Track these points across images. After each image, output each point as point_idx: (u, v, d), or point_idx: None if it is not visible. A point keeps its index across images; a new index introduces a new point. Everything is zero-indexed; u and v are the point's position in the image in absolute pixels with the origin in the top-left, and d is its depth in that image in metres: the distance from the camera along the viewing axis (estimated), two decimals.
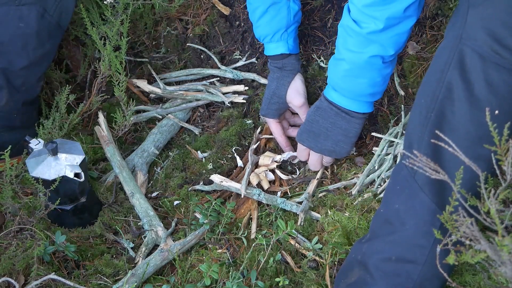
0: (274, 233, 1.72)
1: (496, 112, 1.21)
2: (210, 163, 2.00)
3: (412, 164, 1.19)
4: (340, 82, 1.68)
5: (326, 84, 2.06)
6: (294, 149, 1.96)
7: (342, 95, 1.71)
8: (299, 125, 2.00)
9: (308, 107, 1.90)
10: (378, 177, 1.81)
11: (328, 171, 1.91)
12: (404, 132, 1.87)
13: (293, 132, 1.99)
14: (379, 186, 1.79)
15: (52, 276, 1.44)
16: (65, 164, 1.66)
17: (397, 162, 1.67)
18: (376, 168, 1.82)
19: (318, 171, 1.89)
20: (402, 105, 1.94)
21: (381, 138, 1.90)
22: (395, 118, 1.97)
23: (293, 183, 1.90)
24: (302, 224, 1.76)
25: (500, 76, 1.25)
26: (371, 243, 1.48)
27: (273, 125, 1.97)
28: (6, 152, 1.59)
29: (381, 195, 1.76)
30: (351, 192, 1.81)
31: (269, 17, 1.88)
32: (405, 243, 1.40)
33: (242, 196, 1.84)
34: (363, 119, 1.74)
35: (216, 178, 1.89)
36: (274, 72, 1.95)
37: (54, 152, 1.65)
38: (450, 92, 1.31)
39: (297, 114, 2.00)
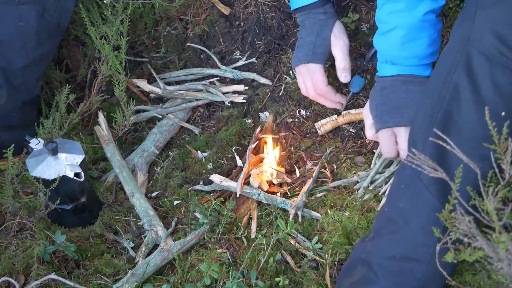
0: (274, 233, 1.72)
1: (503, 113, 1.21)
2: (210, 163, 2.00)
3: (411, 163, 1.19)
4: (399, 53, 1.60)
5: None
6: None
7: (404, 65, 1.61)
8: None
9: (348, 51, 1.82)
10: (376, 176, 1.81)
11: (327, 170, 1.91)
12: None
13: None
14: (374, 188, 1.79)
15: (52, 276, 1.44)
16: (65, 164, 1.66)
17: (401, 162, 1.67)
18: (378, 167, 1.83)
19: (314, 171, 1.88)
20: None
21: None
22: None
23: (293, 183, 1.90)
24: (293, 220, 1.75)
25: (507, 77, 1.25)
26: (375, 241, 1.48)
27: (320, 74, 1.82)
28: (9, 150, 1.59)
29: (381, 195, 1.77)
30: (357, 189, 1.80)
31: None
32: (409, 242, 1.40)
33: (238, 196, 1.83)
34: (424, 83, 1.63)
35: (216, 178, 1.89)
36: (316, 17, 1.83)
37: (54, 152, 1.65)
38: (456, 93, 1.31)
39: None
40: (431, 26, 1.57)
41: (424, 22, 1.55)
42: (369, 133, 1.71)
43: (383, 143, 1.65)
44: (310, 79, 1.84)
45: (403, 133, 1.61)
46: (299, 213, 1.77)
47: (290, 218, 1.75)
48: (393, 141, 1.64)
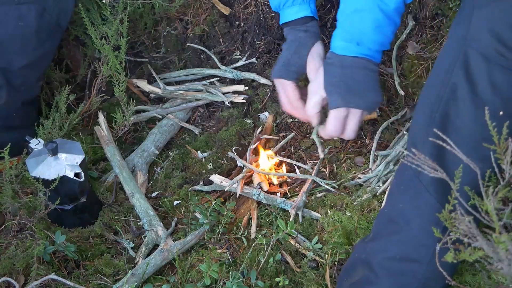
0: (274, 233, 1.72)
1: (501, 113, 1.21)
2: (210, 163, 2.00)
3: (411, 163, 1.19)
4: (369, 35, 1.50)
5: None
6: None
7: (368, 48, 1.52)
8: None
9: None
10: (377, 176, 1.82)
11: (326, 170, 1.91)
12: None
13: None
14: (378, 186, 1.79)
15: (52, 276, 1.44)
16: (65, 164, 1.66)
17: (400, 162, 1.67)
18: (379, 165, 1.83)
19: (314, 169, 1.88)
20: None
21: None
22: (395, 118, 1.97)
23: (293, 183, 1.90)
24: (293, 220, 1.75)
25: (505, 77, 1.25)
26: (375, 242, 1.48)
27: (291, 89, 1.74)
28: (6, 149, 1.58)
29: (379, 194, 1.77)
30: (369, 184, 1.81)
31: None
32: (409, 243, 1.40)
33: (238, 196, 1.83)
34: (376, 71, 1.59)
35: (216, 178, 1.89)
36: (297, 34, 1.78)
37: (54, 152, 1.65)
38: (454, 93, 1.31)
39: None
40: (399, 14, 1.50)
41: (396, 10, 1.49)
42: (313, 110, 1.61)
43: (335, 121, 1.57)
44: (283, 94, 1.79)
45: (358, 116, 1.56)
46: (299, 213, 1.77)
47: (291, 219, 1.75)
48: (344, 121, 1.57)
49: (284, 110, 1.78)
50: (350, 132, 1.58)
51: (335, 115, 1.55)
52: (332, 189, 1.83)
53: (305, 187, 1.82)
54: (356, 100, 1.53)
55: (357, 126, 1.58)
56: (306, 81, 1.74)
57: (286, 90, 1.75)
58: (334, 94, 1.54)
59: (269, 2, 1.90)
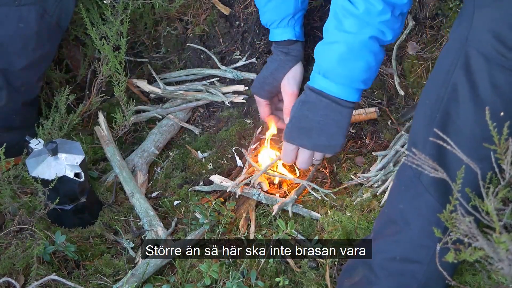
0: (274, 233, 1.72)
1: (502, 113, 1.21)
2: (210, 163, 2.00)
3: (411, 163, 1.19)
4: (334, 67, 1.54)
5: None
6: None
7: (334, 81, 1.56)
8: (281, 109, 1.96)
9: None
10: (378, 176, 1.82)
11: (327, 171, 1.91)
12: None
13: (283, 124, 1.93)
14: (378, 186, 1.79)
15: (52, 276, 1.43)
16: (65, 164, 1.66)
17: (401, 163, 1.67)
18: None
19: (310, 170, 1.89)
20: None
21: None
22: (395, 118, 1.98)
23: (293, 183, 1.90)
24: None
25: (506, 78, 1.25)
26: (376, 242, 1.48)
27: (262, 106, 1.95)
28: (1, 149, 1.58)
29: (379, 194, 1.77)
30: (370, 183, 1.81)
31: (277, 3, 1.86)
32: (410, 243, 1.40)
33: (237, 196, 1.83)
34: (352, 109, 1.61)
35: (216, 178, 1.89)
36: (277, 55, 1.92)
37: (54, 152, 1.65)
38: (455, 93, 1.31)
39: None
40: (371, 52, 1.52)
41: (365, 46, 1.51)
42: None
43: (285, 152, 1.71)
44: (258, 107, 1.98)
45: (304, 154, 1.67)
46: (289, 209, 1.77)
47: (273, 214, 1.75)
48: (294, 154, 1.70)
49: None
50: (301, 164, 1.70)
51: (284, 145, 1.70)
52: (325, 197, 1.82)
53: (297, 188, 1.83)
54: (303, 140, 1.65)
55: (309, 160, 1.68)
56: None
57: (258, 106, 1.95)
58: (286, 128, 1.67)
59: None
